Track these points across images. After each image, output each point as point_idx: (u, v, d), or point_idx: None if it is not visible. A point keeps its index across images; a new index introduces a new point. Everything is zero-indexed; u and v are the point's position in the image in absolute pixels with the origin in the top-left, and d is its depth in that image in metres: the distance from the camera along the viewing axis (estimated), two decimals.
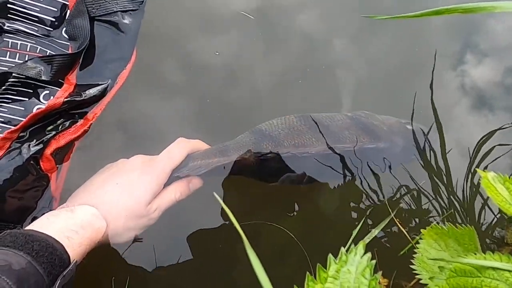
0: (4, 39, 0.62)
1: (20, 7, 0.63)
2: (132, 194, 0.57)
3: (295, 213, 0.71)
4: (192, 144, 0.64)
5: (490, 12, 0.39)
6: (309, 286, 0.40)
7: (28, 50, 0.63)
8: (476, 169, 0.50)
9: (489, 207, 0.70)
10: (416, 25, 0.84)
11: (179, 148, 0.62)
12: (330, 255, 0.41)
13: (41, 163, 0.59)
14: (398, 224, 0.68)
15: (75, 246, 0.50)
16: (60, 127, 0.62)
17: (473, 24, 0.87)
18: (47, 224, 0.50)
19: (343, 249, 0.41)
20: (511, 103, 0.80)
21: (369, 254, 0.41)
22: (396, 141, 0.70)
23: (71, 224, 0.51)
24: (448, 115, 0.78)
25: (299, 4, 0.85)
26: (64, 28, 0.65)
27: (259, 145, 0.65)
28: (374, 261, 0.40)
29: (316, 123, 0.68)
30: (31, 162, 0.58)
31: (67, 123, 0.62)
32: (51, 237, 0.48)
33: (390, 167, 0.71)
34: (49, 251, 0.47)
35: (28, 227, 0.50)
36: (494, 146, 0.74)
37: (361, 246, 0.41)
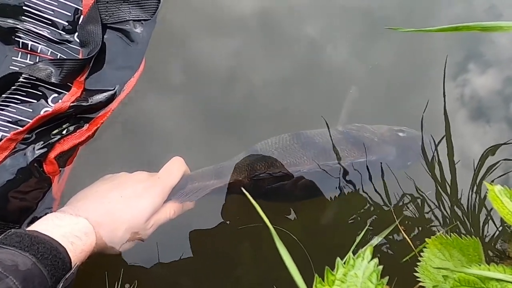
0: (16, 39, 0.63)
1: (35, 9, 0.63)
2: (136, 208, 0.58)
3: (297, 216, 0.72)
4: (185, 164, 0.66)
5: (507, 32, 0.41)
6: None
7: (39, 51, 0.64)
8: (484, 182, 0.52)
9: (492, 219, 0.71)
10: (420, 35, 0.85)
11: (177, 167, 0.65)
12: (338, 259, 0.42)
13: (44, 166, 0.59)
14: (403, 232, 0.69)
15: (77, 252, 0.51)
16: (65, 131, 0.62)
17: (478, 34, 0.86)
18: (52, 227, 0.50)
19: (351, 254, 0.42)
20: None
21: (376, 260, 0.42)
22: (388, 151, 0.73)
23: (76, 230, 0.52)
24: (452, 125, 0.78)
25: (306, 11, 0.86)
26: (76, 33, 0.66)
27: (252, 167, 0.68)
28: (381, 267, 0.41)
29: (308, 141, 0.71)
30: (35, 164, 0.58)
31: (72, 128, 0.63)
32: (55, 240, 0.49)
33: (388, 173, 0.73)
34: (53, 254, 0.47)
35: (31, 228, 0.50)
36: (500, 161, 0.75)
37: (368, 251, 0.41)
